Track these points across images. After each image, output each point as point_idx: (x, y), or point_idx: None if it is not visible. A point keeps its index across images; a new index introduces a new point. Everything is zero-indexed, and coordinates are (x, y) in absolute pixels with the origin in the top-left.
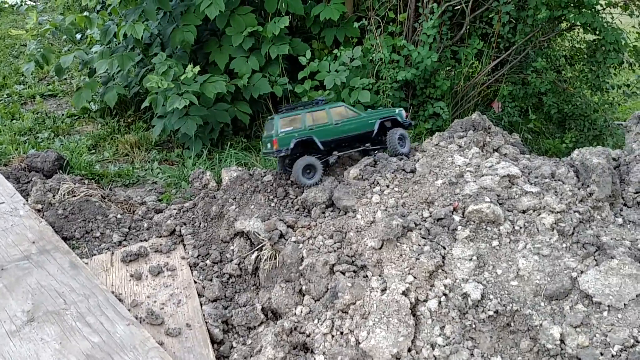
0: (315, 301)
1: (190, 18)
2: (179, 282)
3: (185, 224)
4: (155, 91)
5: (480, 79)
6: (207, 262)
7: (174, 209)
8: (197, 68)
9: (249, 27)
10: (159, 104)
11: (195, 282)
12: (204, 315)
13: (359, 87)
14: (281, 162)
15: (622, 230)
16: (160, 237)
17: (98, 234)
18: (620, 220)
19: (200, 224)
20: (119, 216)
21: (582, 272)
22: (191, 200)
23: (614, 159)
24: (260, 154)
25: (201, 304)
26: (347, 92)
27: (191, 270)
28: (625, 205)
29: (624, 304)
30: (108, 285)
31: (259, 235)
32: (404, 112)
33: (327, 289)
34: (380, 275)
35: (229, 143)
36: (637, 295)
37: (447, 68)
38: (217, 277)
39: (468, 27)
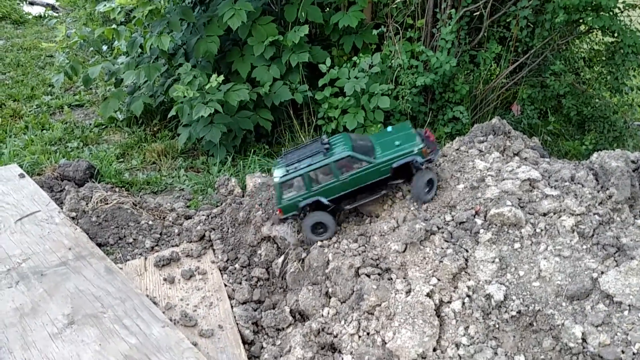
0: (342, 303)
1: (213, 29)
2: (210, 285)
3: (214, 229)
4: (181, 100)
5: (499, 82)
6: (236, 266)
7: (203, 215)
8: (221, 77)
9: (270, 36)
10: (185, 113)
11: (225, 285)
12: (234, 317)
13: (378, 93)
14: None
15: None
16: (191, 242)
17: (131, 240)
18: (639, 221)
19: (228, 229)
20: (150, 222)
21: (602, 272)
22: (218, 206)
23: (632, 162)
24: None
25: (232, 306)
26: (367, 98)
27: (221, 273)
28: None
29: None
30: (142, 289)
31: (286, 239)
32: (422, 145)
33: (353, 291)
34: (404, 278)
35: (252, 150)
36: None
37: (466, 72)
38: (246, 280)
39: (486, 31)
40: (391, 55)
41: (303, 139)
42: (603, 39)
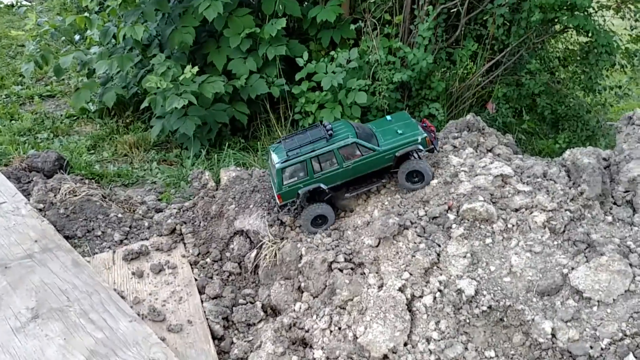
0: (314, 298)
1: (188, 20)
2: (180, 279)
3: (185, 222)
4: (154, 92)
5: (474, 80)
6: (208, 260)
7: (174, 208)
8: (196, 69)
9: (246, 28)
10: (158, 104)
11: (195, 280)
12: (204, 312)
13: (355, 88)
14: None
15: (611, 228)
16: (161, 235)
17: (99, 233)
18: (609, 218)
19: (200, 222)
20: (119, 215)
21: (572, 268)
22: (190, 199)
23: (604, 159)
24: (257, 154)
25: (202, 301)
26: (344, 93)
27: (192, 268)
28: (615, 203)
29: (613, 299)
30: (110, 283)
31: (259, 233)
32: (425, 135)
33: (326, 286)
34: (377, 272)
35: (227, 143)
36: (625, 291)
37: (443, 69)
38: (217, 274)
39: (463, 29)
40: (369, 51)
41: (280, 133)
42: (578, 39)
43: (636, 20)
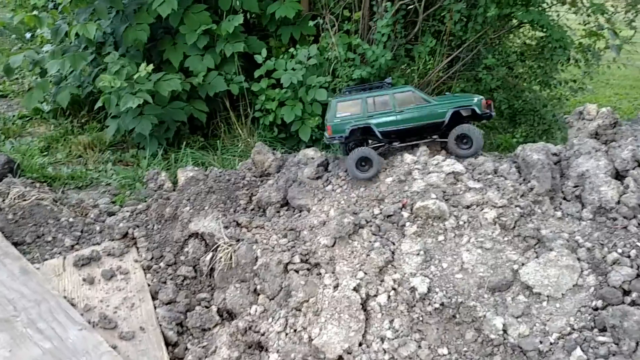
0: (270, 300)
1: (143, 16)
2: (133, 285)
3: (138, 226)
4: (108, 91)
5: (434, 76)
6: (161, 264)
7: (127, 211)
8: (151, 66)
9: (203, 25)
10: (113, 104)
11: (149, 285)
12: (158, 318)
13: (315, 85)
14: (344, 148)
15: (560, 223)
16: (113, 240)
17: (50, 239)
18: (559, 213)
19: (153, 226)
20: (71, 220)
21: (522, 264)
22: (145, 201)
23: (555, 154)
24: (217, 153)
25: (155, 307)
26: (304, 90)
27: (145, 273)
28: (564, 199)
29: (562, 294)
30: (60, 291)
31: (214, 236)
32: (483, 101)
33: (281, 288)
34: (333, 273)
35: (185, 142)
36: (573, 285)
37: (403, 66)
38: (171, 279)
39: (421, 25)
40: (328, 48)
41: (240, 131)
42: (535, 34)
43: (589, 15)
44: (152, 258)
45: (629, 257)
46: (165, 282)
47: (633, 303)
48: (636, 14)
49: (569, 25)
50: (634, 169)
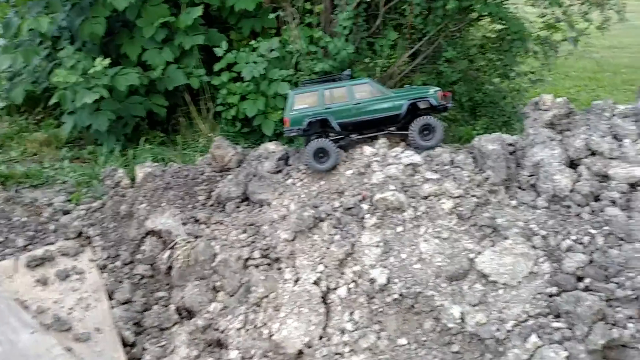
0: (230, 297)
1: (99, 10)
2: (88, 285)
3: (93, 224)
4: (63, 86)
5: (396, 69)
6: (117, 263)
7: (82, 209)
8: (107, 61)
9: (161, 17)
10: (68, 100)
11: (105, 285)
12: (114, 318)
13: (278, 79)
14: (306, 141)
15: (516, 211)
16: (68, 239)
17: (1, 239)
18: (514, 202)
19: (109, 224)
20: (23, 219)
21: (479, 253)
22: (101, 199)
23: (511, 145)
24: (178, 148)
25: (111, 307)
26: (267, 83)
27: (100, 272)
28: (520, 188)
29: (518, 282)
30: (12, 293)
31: (172, 233)
32: (439, 93)
33: (241, 284)
34: (293, 267)
35: (144, 138)
36: (529, 273)
37: (365, 59)
38: (128, 278)
39: (383, 18)
40: (290, 40)
41: (202, 126)
42: (495, 27)
43: (546, 8)
44: (107, 257)
45: (582, 244)
46: (121, 282)
47: (586, 289)
48: (590, 6)
49: (527, 18)
50: (586, 157)
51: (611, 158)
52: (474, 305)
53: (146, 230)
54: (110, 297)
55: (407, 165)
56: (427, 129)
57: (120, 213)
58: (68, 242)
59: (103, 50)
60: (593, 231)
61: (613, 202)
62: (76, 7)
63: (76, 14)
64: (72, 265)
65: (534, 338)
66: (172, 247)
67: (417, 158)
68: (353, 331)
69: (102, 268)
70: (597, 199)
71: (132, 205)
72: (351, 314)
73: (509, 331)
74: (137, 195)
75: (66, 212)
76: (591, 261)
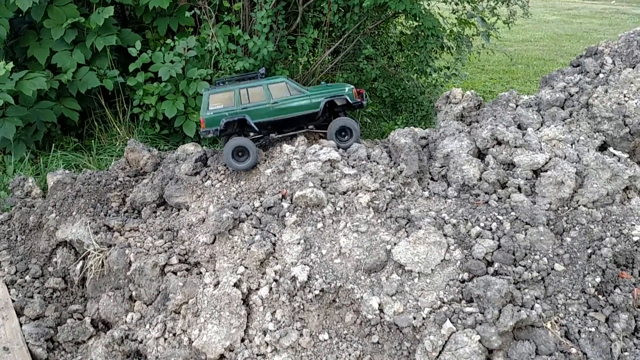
0: (147, 306)
1: (1, 10)
2: None
3: None
4: None
5: (317, 67)
6: (27, 277)
7: None
8: (11, 64)
9: (70, 18)
10: None
11: (13, 301)
12: (24, 336)
13: (197, 78)
14: (224, 141)
15: (428, 202)
16: None
17: None
18: (427, 193)
19: (17, 237)
20: None
21: (395, 244)
22: (9, 211)
23: (423, 138)
24: (92, 153)
25: (21, 324)
26: (186, 83)
27: (8, 288)
28: (432, 179)
29: (431, 270)
30: None
31: (83, 243)
32: (354, 90)
33: (159, 292)
34: (213, 270)
35: (57, 144)
36: (442, 260)
37: (287, 57)
38: (38, 293)
39: (302, 16)
40: (208, 39)
41: (118, 129)
42: (413, 24)
43: (457, 4)
44: (16, 272)
45: (490, 230)
46: (32, 297)
47: (495, 273)
48: (497, 2)
49: (441, 14)
50: (493, 147)
51: (516, 147)
52: (392, 296)
53: (57, 242)
54: (19, 314)
55: (326, 161)
56: (344, 131)
57: (29, 225)
58: None
59: (8, 53)
60: (500, 217)
61: (518, 189)
62: None
63: None
64: None
65: (448, 324)
66: (84, 258)
67: (334, 154)
68: (275, 331)
69: (10, 283)
70: (503, 186)
71: (41, 216)
72: (273, 313)
73: (424, 318)
74: (46, 205)
75: None
76: (499, 246)
